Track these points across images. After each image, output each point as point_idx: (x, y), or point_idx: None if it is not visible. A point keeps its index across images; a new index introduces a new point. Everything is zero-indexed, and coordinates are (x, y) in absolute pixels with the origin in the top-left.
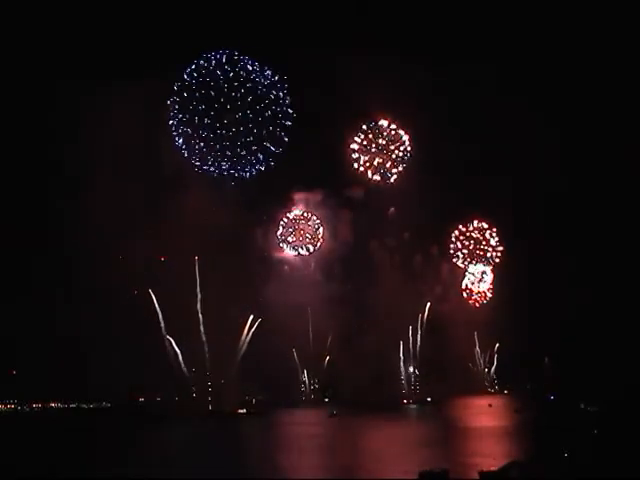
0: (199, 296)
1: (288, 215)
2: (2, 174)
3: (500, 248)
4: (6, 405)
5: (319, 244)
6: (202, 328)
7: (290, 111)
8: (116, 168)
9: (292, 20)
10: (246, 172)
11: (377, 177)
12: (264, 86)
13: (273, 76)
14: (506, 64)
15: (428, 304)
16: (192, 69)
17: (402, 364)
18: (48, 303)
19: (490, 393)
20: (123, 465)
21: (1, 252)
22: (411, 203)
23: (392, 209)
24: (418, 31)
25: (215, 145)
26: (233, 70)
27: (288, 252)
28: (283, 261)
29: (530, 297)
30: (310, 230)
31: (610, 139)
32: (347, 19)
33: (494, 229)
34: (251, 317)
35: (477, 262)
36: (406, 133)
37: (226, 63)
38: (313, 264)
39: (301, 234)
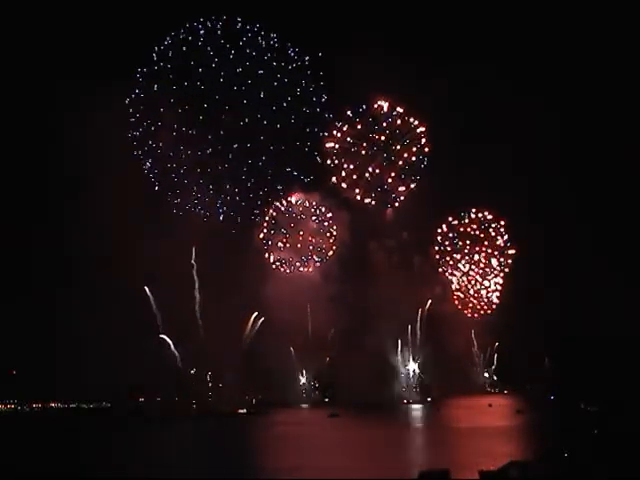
0: (197, 297)
1: (280, 205)
2: (2, 174)
3: (512, 252)
4: (6, 405)
5: (330, 253)
6: (201, 328)
7: (328, 115)
8: (116, 168)
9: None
10: (256, 215)
11: (369, 200)
12: (286, 72)
13: (300, 58)
14: (507, 64)
15: (428, 303)
16: (167, 45)
17: (401, 364)
18: (48, 303)
19: (490, 393)
20: (123, 465)
21: (1, 252)
22: (410, 203)
23: (389, 209)
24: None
25: (204, 171)
26: (234, 46)
27: (278, 264)
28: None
29: (530, 297)
30: (313, 230)
31: (610, 139)
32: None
33: (502, 222)
34: (255, 314)
35: (476, 274)
36: (421, 124)
37: (223, 35)
38: (312, 266)
39: (301, 237)
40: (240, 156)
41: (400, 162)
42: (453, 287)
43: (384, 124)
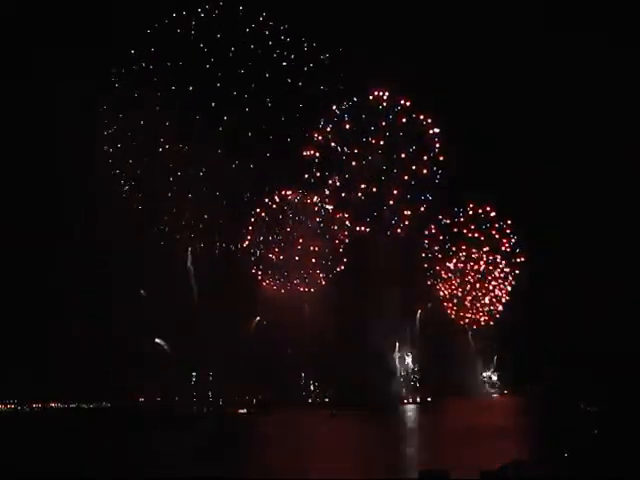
0: (196, 296)
1: (270, 202)
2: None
3: (521, 259)
4: (6, 405)
5: (341, 267)
6: (201, 328)
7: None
8: (117, 170)
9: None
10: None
11: (363, 227)
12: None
13: (314, 54)
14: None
15: (428, 305)
16: (147, 41)
17: (401, 364)
18: (48, 303)
19: (490, 393)
20: (123, 465)
21: (1, 252)
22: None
23: (387, 209)
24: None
25: (199, 190)
26: (233, 38)
27: (268, 281)
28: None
29: (529, 297)
30: (315, 235)
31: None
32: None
33: (509, 221)
34: (257, 318)
35: (473, 287)
36: (433, 124)
37: (219, 28)
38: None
39: (299, 244)
40: (240, 167)
41: (405, 176)
42: (445, 297)
43: (384, 123)
